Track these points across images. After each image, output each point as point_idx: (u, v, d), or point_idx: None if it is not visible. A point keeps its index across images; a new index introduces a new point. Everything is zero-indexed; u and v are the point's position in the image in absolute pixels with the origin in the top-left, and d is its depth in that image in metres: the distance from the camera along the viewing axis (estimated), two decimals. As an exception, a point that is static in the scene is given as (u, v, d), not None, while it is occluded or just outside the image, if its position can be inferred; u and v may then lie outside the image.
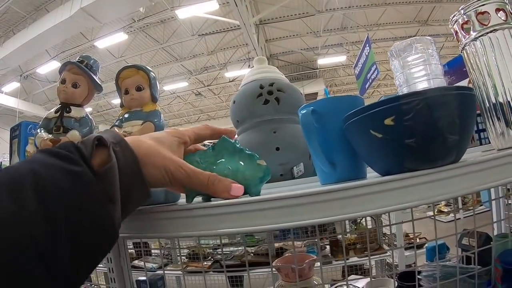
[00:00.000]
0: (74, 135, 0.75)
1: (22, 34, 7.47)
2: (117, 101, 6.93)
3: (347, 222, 3.20)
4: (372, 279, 1.25)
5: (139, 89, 0.75)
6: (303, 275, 1.18)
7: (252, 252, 2.71)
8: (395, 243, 2.37)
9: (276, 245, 2.69)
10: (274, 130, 0.98)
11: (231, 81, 11.70)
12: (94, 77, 0.84)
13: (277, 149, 0.96)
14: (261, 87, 1.03)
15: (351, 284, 1.10)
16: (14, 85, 9.61)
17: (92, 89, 0.84)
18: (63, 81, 0.81)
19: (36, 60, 8.71)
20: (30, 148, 1.01)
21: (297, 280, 0.98)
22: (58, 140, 0.74)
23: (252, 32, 7.94)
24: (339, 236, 2.67)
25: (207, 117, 15.67)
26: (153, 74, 0.77)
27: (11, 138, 1.11)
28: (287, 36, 9.68)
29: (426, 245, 1.22)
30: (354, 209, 0.40)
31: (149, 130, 0.70)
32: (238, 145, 0.50)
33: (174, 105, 13.53)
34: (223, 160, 0.49)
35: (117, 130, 0.72)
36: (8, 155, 1.43)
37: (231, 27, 8.75)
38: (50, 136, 0.76)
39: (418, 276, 0.86)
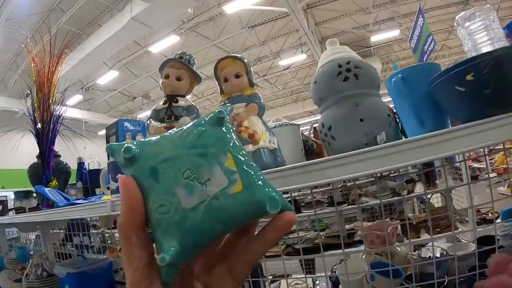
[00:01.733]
0: (185, 121, 0.88)
1: (79, 50, 7.99)
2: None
3: (415, 201, 3.19)
4: (456, 243, 1.29)
5: (237, 76, 0.86)
6: (387, 241, 1.26)
7: (323, 235, 2.79)
8: (466, 219, 2.34)
9: (347, 226, 2.74)
10: (356, 103, 1.06)
11: (286, 69, 11.66)
12: (194, 69, 0.96)
13: (361, 120, 1.03)
14: (339, 65, 1.10)
15: (436, 246, 1.15)
16: (77, 98, 10.36)
17: (193, 80, 0.96)
18: (166, 76, 0.93)
19: (95, 72, 9.33)
20: (128, 143, 1.17)
21: (386, 243, 1.06)
22: (171, 126, 0.87)
23: (301, 17, 7.92)
24: (410, 214, 2.67)
25: (266, 107, 15.80)
26: (248, 62, 0.88)
27: (108, 136, 1.27)
28: (336, 17, 9.51)
29: (501, 209, 1.25)
30: (449, 148, 0.49)
31: (253, 110, 0.82)
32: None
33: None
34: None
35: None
36: (90, 160, 1.62)
37: (279, 15, 8.75)
38: (163, 124, 0.89)
39: (498, 236, 0.90)
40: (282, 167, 0.62)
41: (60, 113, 1.53)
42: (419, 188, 3.21)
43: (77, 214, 1.00)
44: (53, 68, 1.53)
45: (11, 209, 1.95)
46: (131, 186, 0.31)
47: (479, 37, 0.78)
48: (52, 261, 1.96)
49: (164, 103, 0.93)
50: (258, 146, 0.77)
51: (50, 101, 1.51)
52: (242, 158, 0.33)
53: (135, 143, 0.33)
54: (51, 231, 2.29)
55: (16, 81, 9.70)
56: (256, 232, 0.36)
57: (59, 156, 1.73)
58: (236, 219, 0.31)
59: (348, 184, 3.62)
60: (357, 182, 4.07)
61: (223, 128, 0.34)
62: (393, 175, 3.77)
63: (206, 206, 0.30)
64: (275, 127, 1.02)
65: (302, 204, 3.22)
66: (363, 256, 1.30)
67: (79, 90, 10.26)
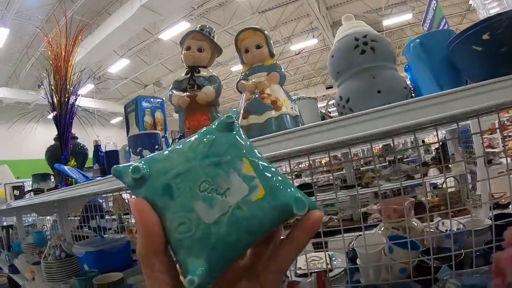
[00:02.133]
0: (208, 89, 0.90)
1: (90, 39, 8.02)
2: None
3: (427, 186, 3.19)
4: (471, 220, 1.29)
5: (258, 47, 0.87)
6: (403, 216, 1.27)
7: (336, 218, 2.80)
8: (479, 203, 2.33)
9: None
10: (374, 76, 1.06)
11: (297, 54, 11.60)
12: (215, 41, 0.97)
13: (379, 92, 1.04)
14: (356, 39, 1.10)
15: (453, 219, 1.16)
16: (89, 87, 10.43)
17: (214, 52, 0.97)
18: (188, 48, 0.95)
19: (106, 61, 9.37)
20: (147, 119, 1.19)
21: (405, 216, 1.06)
22: (194, 96, 0.89)
23: (312, 1, 7.89)
24: (423, 199, 2.66)
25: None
26: (268, 33, 0.89)
27: (127, 113, 1.29)
28: (348, 1, 9.41)
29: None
30: (464, 105, 0.50)
31: (275, 78, 0.83)
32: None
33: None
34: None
35: (244, 82, 0.85)
36: (107, 142, 1.64)
37: (290, 0, 8.69)
38: (186, 93, 0.91)
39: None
40: (305, 126, 0.63)
41: (77, 95, 1.55)
42: (432, 172, 3.21)
43: (98, 187, 1.02)
44: (70, 50, 1.55)
45: (29, 191, 1.99)
46: (145, 209, 0.29)
47: (492, 6, 0.81)
48: (70, 242, 2.00)
49: (186, 74, 0.94)
50: (280, 112, 0.78)
51: (67, 82, 1.53)
52: (260, 162, 0.31)
53: (142, 161, 0.31)
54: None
55: (28, 73, 9.81)
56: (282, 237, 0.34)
57: (76, 138, 1.76)
58: (263, 227, 0.29)
59: (362, 168, 3.65)
60: (370, 166, 4.09)
61: (234, 133, 0.32)
62: (406, 159, 3.78)
63: (229, 218, 0.28)
64: (294, 100, 1.03)
65: (315, 187, 3.23)
66: (380, 231, 1.31)
67: (89, 78, 10.33)
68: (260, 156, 0.31)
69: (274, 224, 0.29)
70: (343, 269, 1.33)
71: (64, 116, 1.54)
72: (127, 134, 1.15)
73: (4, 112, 11.38)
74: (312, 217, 0.30)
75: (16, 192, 2.32)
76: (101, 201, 2.52)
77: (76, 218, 2.61)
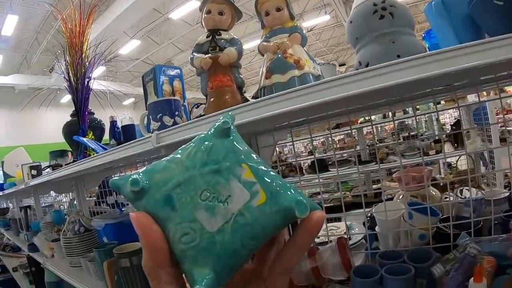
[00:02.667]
0: (230, 51, 0.90)
1: (99, 22, 8.00)
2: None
3: (441, 164, 3.17)
4: (489, 190, 1.28)
5: (278, 9, 0.87)
6: (422, 184, 1.27)
7: (351, 195, 2.81)
8: (494, 182, 2.32)
9: (374, 186, 2.76)
10: (393, 40, 1.05)
11: (309, 31, 11.38)
12: (235, 4, 0.97)
13: (398, 56, 1.03)
14: (375, 4, 1.09)
15: (467, 188, 1.16)
16: (100, 70, 10.42)
17: (234, 15, 0.97)
18: (208, 12, 0.95)
19: (117, 42, 9.35)
20: (166, 87, 1.19)
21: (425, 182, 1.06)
22: (216, 57, 0.89)
23: (324, -24, 7.72)
24: (437, 176, 2.66)
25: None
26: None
27: (145, 83, 1.29)
28: (361, -24, 9.19)
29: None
30: (484, 57, 0.50)
31: (297, 39, 0.82)
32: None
33: (255, 63, 13.57)
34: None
35: (266, 44, 0.85)
36: (123, 117, 1.66)
37: (302, -24, 8.54)
38: (208, 55, 0.91)
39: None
40: (325, 79, 0.63)
41: (94, 68, 1.56)
42: (447, 149, 3.19)
43: (120, 154, 1.03)
44: (85, 24, 1.56)
45: (48, 166, 2.02)
46: (147, 223, 0.29)
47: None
48: (88, 217, 2.03)
49: (207, 37, 0.94)
50: (303, 71, 0.78)
51: (83, 56, 1.54)
52: (259, 167, 0.31)
53: (141, 173, 0.30)
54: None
55: (38, 58, 9.85)
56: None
57: (93, 113, 1.77)
58: (266, 231, 0.29)
59: (377, 144, 3.62)
60: (385, 141, 4.07)
61: (231, 138, 0.31)
62: (422, 136, 3.74)
63: (232, 225, 0.28)
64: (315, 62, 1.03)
65: (329, 163, 3.23)
66: (399, 199, 1.31)
67: (103, 54, 10.34)
68: (259, 160, 0.31)
69: (277, 228, 0.30)
70: (361, 237, 1.34)
71: (81, 90, 1.56)
72: (145, 103, 1.16)
73: (17, 99, 11.52)
74: (314, 218, 0.31)
75: (34, 172, 2.36)
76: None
77: (92, 198, 2.66)
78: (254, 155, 0.31)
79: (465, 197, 1.21)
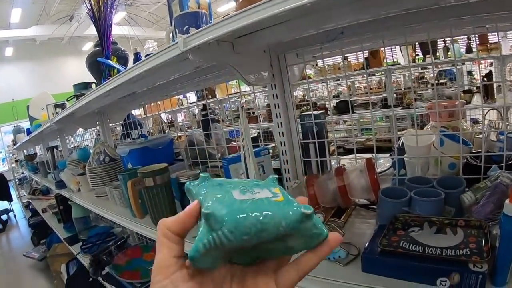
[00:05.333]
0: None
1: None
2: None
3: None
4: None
5: None
6: (454, 115, 1.22)
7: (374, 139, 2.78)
8: None
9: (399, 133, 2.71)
10: None
11: None
12: None
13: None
14: None
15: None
16: (121, 15, 10.28)
17: None
18: None
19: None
20: (192, 4, 1.14)
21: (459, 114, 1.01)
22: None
23: None
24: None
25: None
26: None
27: (169, 2, 1.23)
28: None
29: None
30: None
31: None
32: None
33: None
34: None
35: None
36: (149, 46, 1.62)
37: None
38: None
39: None
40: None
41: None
42: (476, 100, 3.08)
43: (148, 65, 1.01)
44: None
45: (73, 96, 2.03)
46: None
47: None
48: (113, 147, 2.07)
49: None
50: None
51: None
52: (286, 192, 0.38)
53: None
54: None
55: (57, 8, 9.78)
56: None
57: (116, 43, 1.75)
58: (275, 217, 0.33)
59: (404, 89, 3.52)
60: (413, 87, 3.95)
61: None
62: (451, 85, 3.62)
63: (253, 201, 0.34)
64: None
65: (355, 104, 3.16)
66: (429, 128, 1.26)
67: (122, 6, 10.20)
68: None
69: (283, 219, 0.33)
70: (389, 165, 1.32)
71: (104, 17, 1.52)
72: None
73: (39, 50, 11.62)
74: (333, 237, 0.37)
75: (59, 111, 2.39)
76: (141, 121, 2.58)
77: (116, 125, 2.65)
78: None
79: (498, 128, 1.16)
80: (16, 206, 7.06)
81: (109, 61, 1.38)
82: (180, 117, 5.85)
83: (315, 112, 1.27)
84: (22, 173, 7.14)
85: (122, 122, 2.43)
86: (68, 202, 2.69)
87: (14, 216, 6.69)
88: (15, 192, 7.40)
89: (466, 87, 3.20)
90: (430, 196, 0.89)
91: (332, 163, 1.40)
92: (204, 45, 0.83)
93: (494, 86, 3.13)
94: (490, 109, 2.61)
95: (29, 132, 3.83)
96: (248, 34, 0.94)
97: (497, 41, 2.95)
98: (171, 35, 1.08)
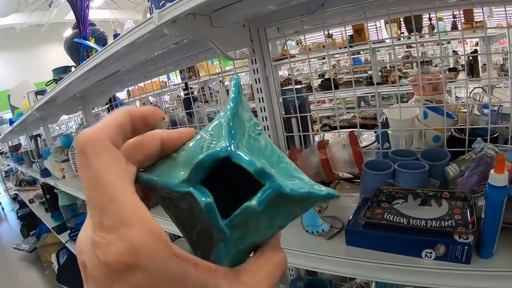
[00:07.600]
0: None
1: None
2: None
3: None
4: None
5: None
6: (438, 88, 1.21)
7: (360, 117, 2.78)
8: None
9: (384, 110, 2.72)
10: None
11: None
12: None
13: None
14: None
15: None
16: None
17: None
18: None
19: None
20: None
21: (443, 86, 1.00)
22: None
23: None
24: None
25: None
26: None
27: None
28: None
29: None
30: None
31: None
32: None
33: None
34: None
35: None
36: (127, 25, 1.58)
37: None
38: None
39: None
40: None
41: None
42: (461, 77, 3.08)
43: (124, 42, 0.98)
44: None
45: (52, 80, 1.98)
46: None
47: None
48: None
49: None
50: None
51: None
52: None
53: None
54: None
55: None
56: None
57: (94, 24, 1.70)
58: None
59: (389, 66, 3.53)
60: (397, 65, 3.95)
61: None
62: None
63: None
64: None
65: (340, 83, 3.15)
66: (413, 102, 1.26)
67: None
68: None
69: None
70: (374, 139, 1.31)
71: (80, -3, 1.47)
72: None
73: (18, 39, 11.33)
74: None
75: (40, 98, 2.33)
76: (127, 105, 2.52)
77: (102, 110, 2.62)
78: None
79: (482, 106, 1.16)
80: (4, 199, 6.97)
81: (86, 42, 1.33)
82: (165, 100, 5.81)
83: (296, 86, 1.26)
84: (8, 165, 7.03)
85: (107, 106, 2.38)
86: (54, 190, 2.65)
87: (2, 209, 6.61)
88: (1, 185, 7.30)
89: (451, 65, 3.20)
90: (414, 168, 0.88)
91: (316, 139, 1.40)
92: (181, 19, 0.80)
93: (480, 65, 3.14)
94: (476, 88, 2.62)
95: (11, 122, 3.76)
96: (225, 7, 0.91)
97: (482, 19, 2.95)
98: (148, 12, 1.05)
